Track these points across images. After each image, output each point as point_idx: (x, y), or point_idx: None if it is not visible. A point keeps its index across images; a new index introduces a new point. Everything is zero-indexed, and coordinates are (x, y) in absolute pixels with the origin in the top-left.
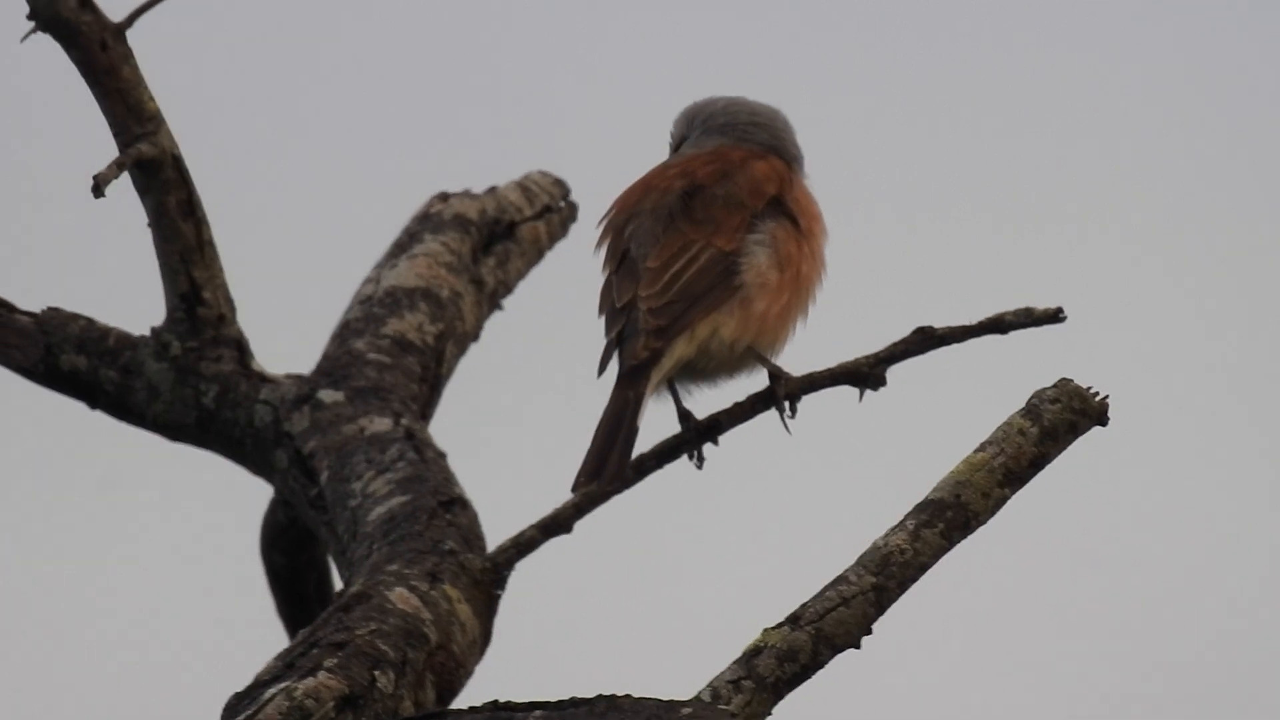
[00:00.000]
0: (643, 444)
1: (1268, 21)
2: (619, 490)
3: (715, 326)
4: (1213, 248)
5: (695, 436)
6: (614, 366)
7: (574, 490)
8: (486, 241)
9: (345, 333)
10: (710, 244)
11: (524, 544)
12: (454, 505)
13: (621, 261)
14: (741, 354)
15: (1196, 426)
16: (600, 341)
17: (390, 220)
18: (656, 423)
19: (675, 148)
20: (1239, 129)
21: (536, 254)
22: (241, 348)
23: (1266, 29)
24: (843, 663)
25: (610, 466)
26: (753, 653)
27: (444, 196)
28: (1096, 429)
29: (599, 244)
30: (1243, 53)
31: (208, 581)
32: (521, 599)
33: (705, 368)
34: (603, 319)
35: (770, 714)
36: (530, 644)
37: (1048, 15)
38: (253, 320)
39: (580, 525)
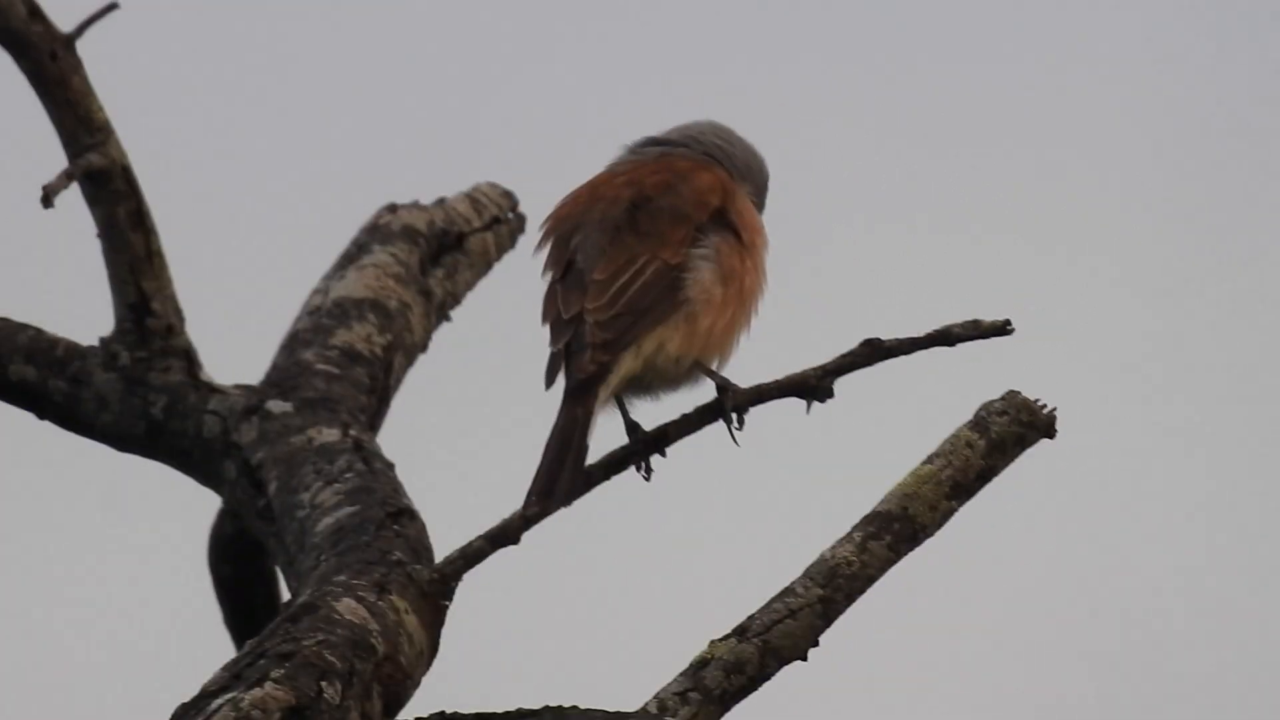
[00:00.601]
0: (590, 456)
1: (1223, 37)
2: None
3: (661, 341)
4: (1161, 259)
5: (643, 448)
6: (562, 380)
7: (525, 510)
8: (435, 253)
9: (294, 343)
10: (656, 257)
11: (472, 555)
12: (402, 516)
13: (567, 270)
14: (687, 368)
15: (1144, 439)
16: (546, 352)
17: (339, 231)
18: (604, 434)
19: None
20: (1188, 137)
21: (485, 265)
22: (190, 358)
23: (1222, 44)
24: (790, 675)
25: (562, 485)
26: (700, 664)
27: (392, 208)
28: (1044, 441)
29: (539, 246)
30: (1196, 66)
31: (155, 592)
32: (469, 610)
33: (650, 382)
34: (547, 328)
35: None
36: (477, 655)
37: (1000, 27)
38: (201, 331)
39: (528, 537)
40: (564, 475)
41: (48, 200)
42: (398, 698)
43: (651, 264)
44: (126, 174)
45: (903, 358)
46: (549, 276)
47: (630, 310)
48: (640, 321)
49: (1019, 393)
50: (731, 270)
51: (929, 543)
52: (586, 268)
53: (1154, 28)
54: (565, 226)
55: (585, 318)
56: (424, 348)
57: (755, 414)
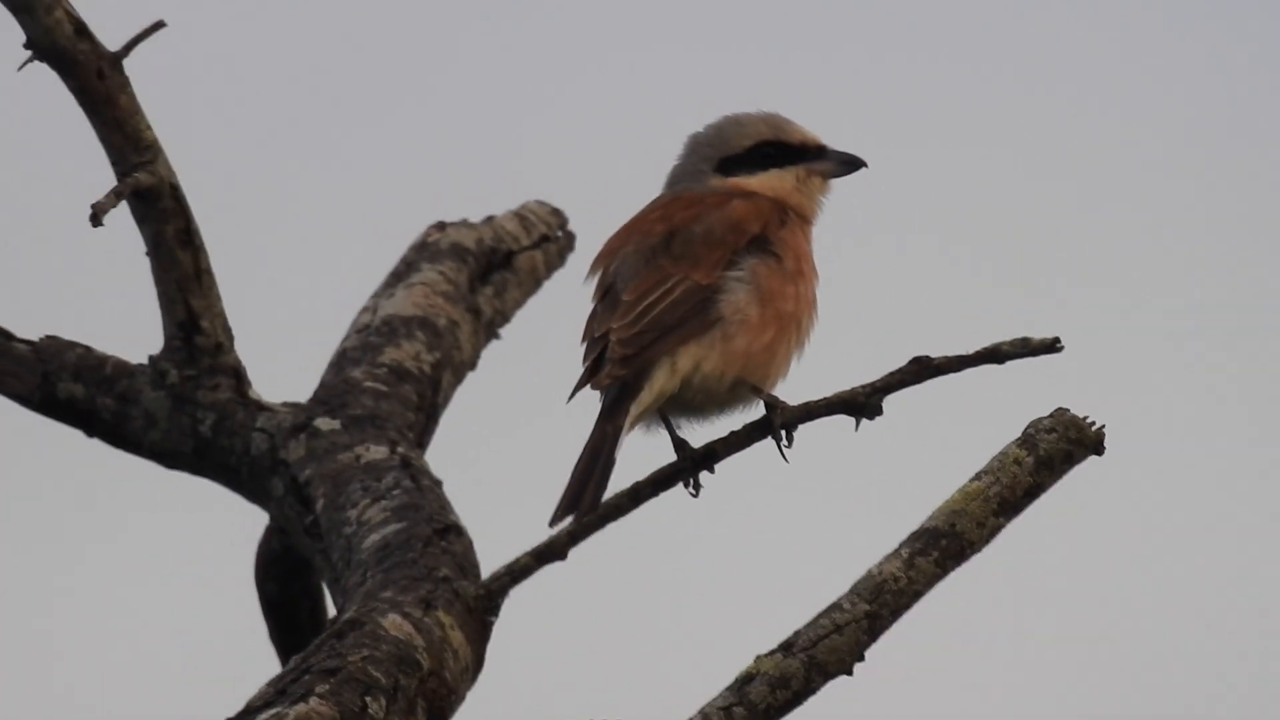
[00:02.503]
0: (639, 472)
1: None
2: (614, 519)
3: (697, 360)
4: (1209, 277)
5: (691, 465)
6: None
7: (551, 524)
8: (484, 271)
9: (342, 361)
10: (687, 277)
11: (518, 571)
12: (449, 532)
13: (605, 295)
14: (731, 387)
15: (1193, 456)
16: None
17: (388, 250)
18: (655, 452)
19: (674, 181)
20: (1238, 159)
21: (534, 283)
22: (239, 376)
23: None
24: (835, 690)
25: (586, 499)
26: (745, 679)
27: (441, 226)
28: (1093, 458)
29: (588, 278)
30: (1242, 90)
31: (202, 608)
32: (515, 626)
33: (693, 400)
34: (582, 348)
35: None
36: (523, 671)
37: (1047, 44)
38: (250, 349)
39: (575, 552)
40: (589, 490)
41: (96, 219)
42: (442, 713)
43: (681, 284)
44: (175, 192)
45: (952, 375)
46: (592, 304)
47: (654, 327)
48: (665, 338)
49: (1067, 410)
50: (770, 292)
51: (976, 559)
52: (620, 290)
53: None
54: (610, 259)
55: (610, 336)
56: (473, 365)
57: (804, 431)
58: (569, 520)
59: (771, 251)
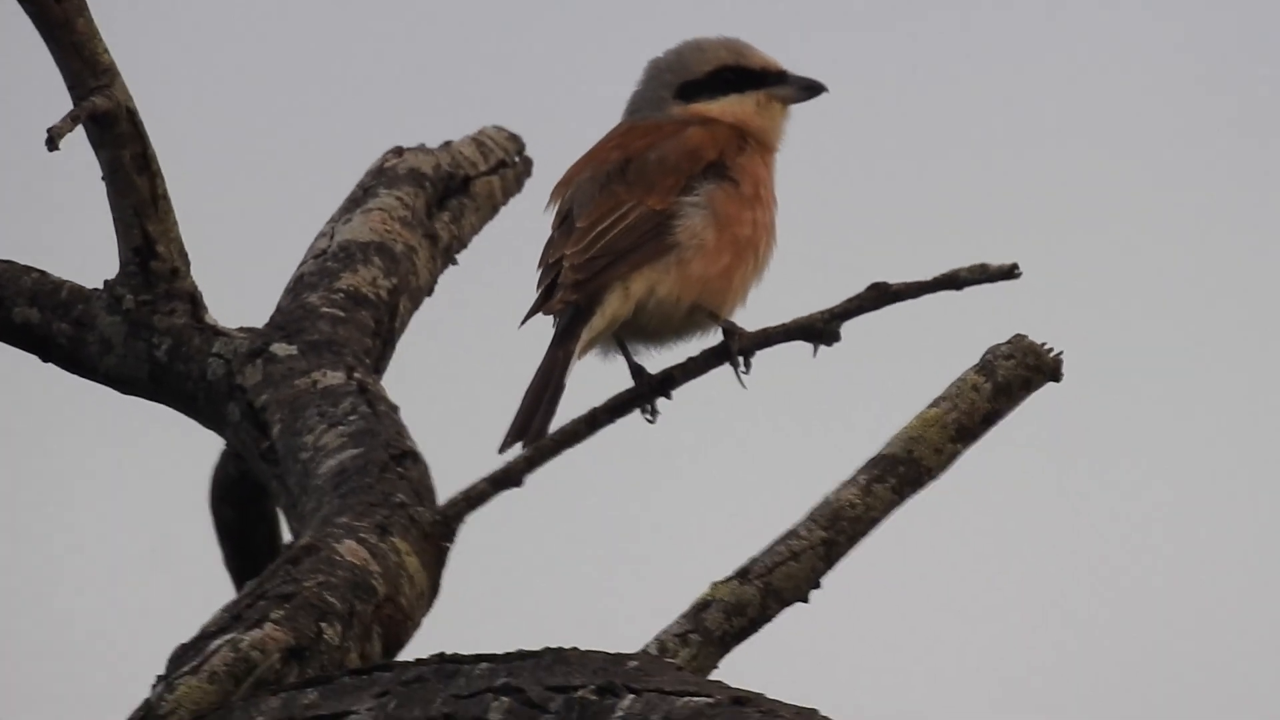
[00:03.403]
0: (597, 398)
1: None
2: (571, 445)
3: (652, 284)
4: (1168, 203)
5: (648, 391)
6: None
7: (500, 451)
8: (441, 196)
9: (299, 287)
10: (641, 203)
11: (474, 497)
12: (405, 459)
13: (562, 222)
14: (687, 313)
15: (1151, 383)
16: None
17: (345, 175)
18: (612, 378)
19: (634, 108)
20: (1195, 89)
21: (491, 209)
22: (195, 301)
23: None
24: (791, 616)
25: (535, 426)
26: (700, 606)
27: (399, 151)
28: (1050, 385)
29: (548, 206)
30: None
31: (157, 533)
32: (471, 552)
33: (649, 326)
34: (538, 274)
35: (717, 667)
36: (478, 597)
37: None
38: (206, 274)
39: (532, 479)
40: (538, 417)
41: (53, 143)
42: (398, 639)
43: (635, 209)
44: (132, 117)
45: (910, 302)
46: (551, 232)
47: (607, 252)
48: (618, 263)
49: (1025, 337)
50: (727, 217)
51: (933, 486)
52: (576, 217)
53: None
54: (568, 189)
55: (564, 262)
56: (429, 291)
57: (761, 358)
58: (518, 447)
59: (729, 177)
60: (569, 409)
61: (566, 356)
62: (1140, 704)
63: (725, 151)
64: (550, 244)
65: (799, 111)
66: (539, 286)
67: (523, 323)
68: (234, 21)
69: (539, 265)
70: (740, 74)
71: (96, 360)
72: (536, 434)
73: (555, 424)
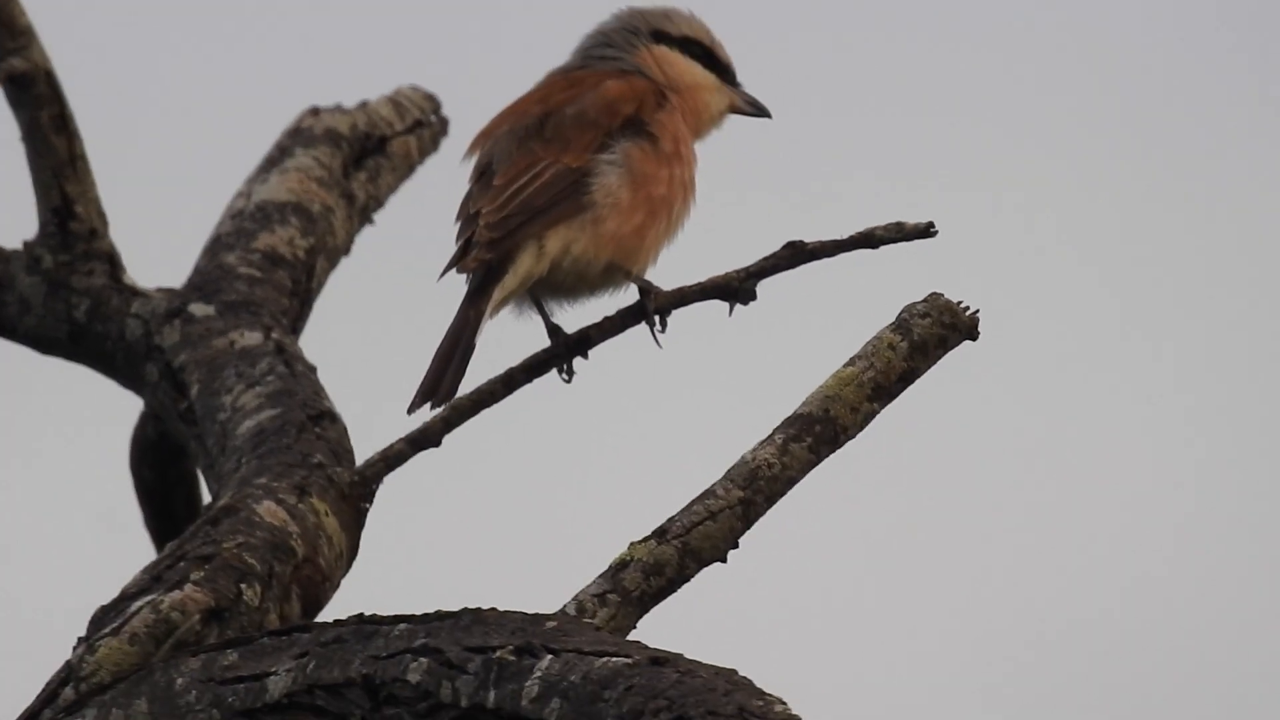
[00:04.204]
0: (512, 358)
1: None
2: (488, 405)
3: (566, 242)
4: (1084, 159)
5: (565, 350)
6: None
7: (409, 412)
8: (358, 156)
9: (216, 247)
10: (558, 161)
11: (392, 458)
12: (323, 419)
13: (480, 177)
14: (602, 271)
15: (1066, 341)
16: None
17: (261, 135)
18: (527, 337)
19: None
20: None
21: (407, 169)
22: (113, 261)
23: None
24: (709, 576)
25: (444, 386)
26: (619, 566)
27: (315, 111)
28: (967, 343)
29: (465, 158)
30: None
31: (76, 495)
32: (389, 513)
33: (564, 283)
34: (456, 228)
35: (635, 627)
36: (397, 558)
37: None
38: (125, 235)
39: (449, 439)
40: (448, 377)
41: None
42: (317, 600)
43: (551, 167)
44: (49, 78)
45: (826, 260)
46: (469, 185)
47: (522, 210)
48: (532, 222)
49: (941, 295)
50: (643, 175)
51: (850, 445)
52: (493, 173)
53: None
54: (488, 140)
55: (479, 220)
56: (346, 251)
57: (677, 316)
58: (428, 408)
59: (648, 133)
60: (487, 368)
61: (477, 316)
62: (1052, 651)
63: (644, 106)
64: (468, 198)
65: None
66: (456, 240)
67: (440, 277)
68: None
69: (457, 218)
70: (708, 56)
71: (15, 320)
72: (446, 395)
73: (470, 383)
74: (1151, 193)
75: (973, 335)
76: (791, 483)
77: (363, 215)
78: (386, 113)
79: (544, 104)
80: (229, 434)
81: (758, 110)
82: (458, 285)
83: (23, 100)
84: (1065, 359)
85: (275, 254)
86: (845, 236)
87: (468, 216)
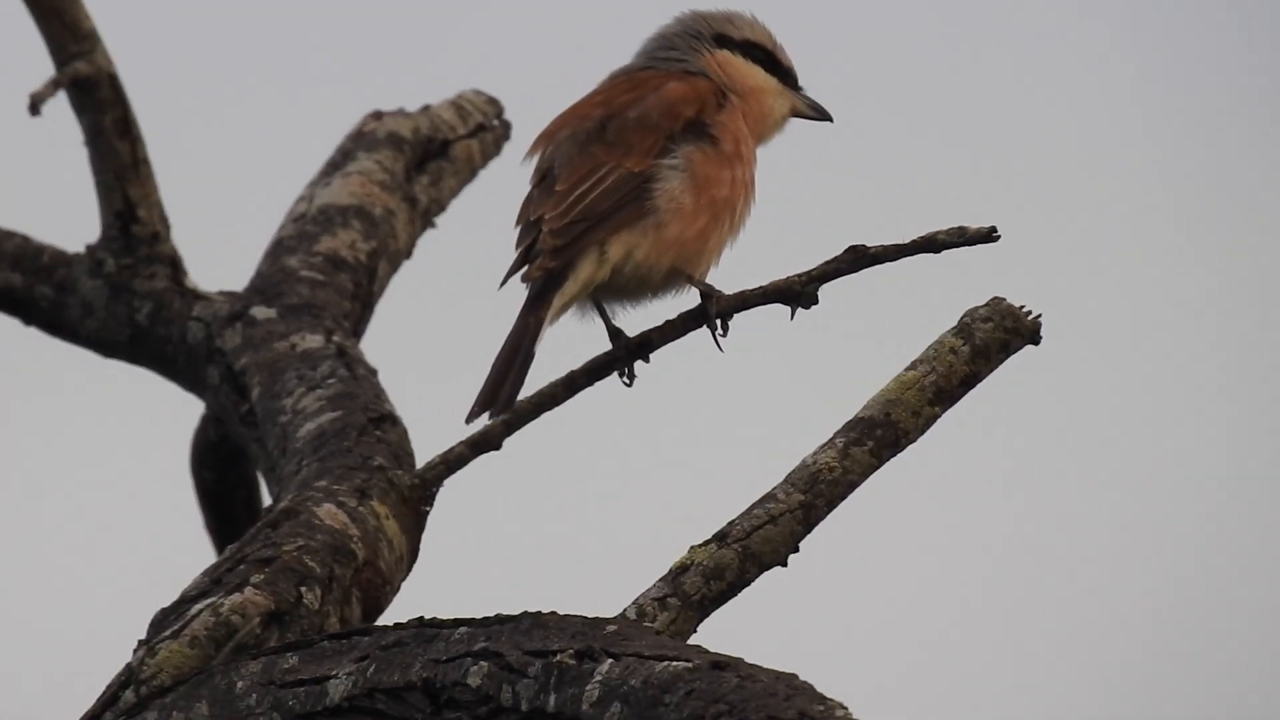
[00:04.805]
0: (574, 361)
1: None
2: (549, 408)
3: (629, 248)
4: (1149, 164)
5: (626, 354)
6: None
7: (468, 421)
8: (420, 160)
9: (278, 250)
10: (620, 165)
11: (453, 461)
12: (384, 422)
13: (541, 180)
14: (665, 275)
15: (1129, 345)
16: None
17: (325, 139)
18: (590, 340)
19: (653, 47)
20: (1178, 53)
21: (470, 172)
22: (175, 265)
23: None
24: (769, 581)
25: (503, 395)
26: (679, 570)
27: (378, 115)
28: (1029, 348)
29: (526, 158)
30: None
31: (137, 497)
32: (449, 516)
33: (626, 288)
34: (517, 232)
35: (695, 631)
36: (457, 561)
37: None
38: (187, 238)
39: (510, 442)
40: (507, 384)
41: (35, 108)
42: (377, 603)
43: (614, 172)
44: (113, 82)
45: (888, 264)
46: (529, 186)
47: (585, 216)
48: (597, 228)
49: (1004, 299)
50: (705, 178)
51: (911, 449)
52: (556, 177)
53: None
54: (549, 142)
55: (541, 225)
56: (408, 254)
57: (739, 320)
58: (485, 416)
59: (709, 135)
60: (548, 371)
61: (538, 323)
62: (1111, 662)
63: (705, 106)
64: (529, 201)
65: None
66: (518, 246)
67: (501, 284)
68: None
69: (517, 223)
70: (770, 60)
71: (78, 324)
72: (505, 403)
73: (532, 387)
74: (1217, 196)
75: (1035, 340)
76: (852, 487)
77: (424, 219)
78: (449, 117)
79: (606, 106)
80: (290, 437)
81: (819, 114)
82: (518, 288)
83: (86, 104)
84: (1128, 364)
85: (337, 257)
86: (907, 241)
87: (528, 223)
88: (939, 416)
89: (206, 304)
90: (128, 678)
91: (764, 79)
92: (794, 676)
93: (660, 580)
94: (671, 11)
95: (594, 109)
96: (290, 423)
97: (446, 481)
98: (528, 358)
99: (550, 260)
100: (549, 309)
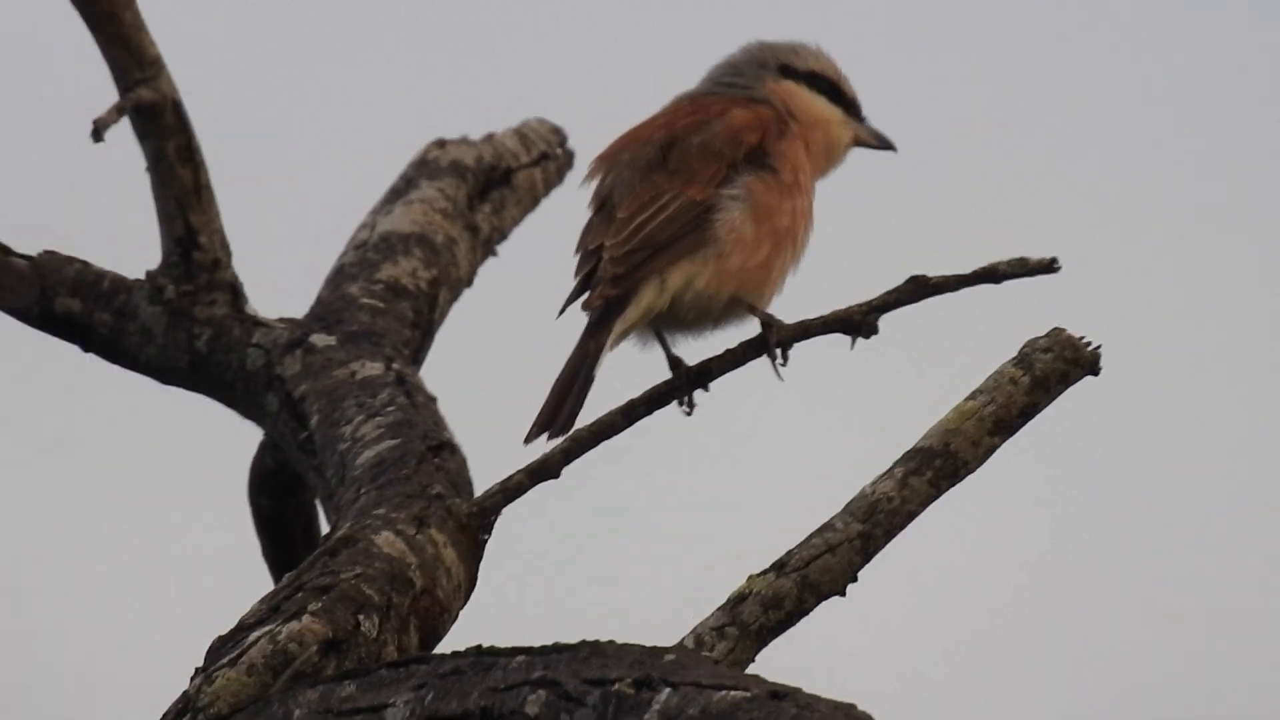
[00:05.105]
0: (633, 389)
1: None
2: (608, 436)
3: (689, 277)
4: (1207, 199)
5: (685, 383)
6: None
7: (525, 443)
8: (483, 188)
9: (339, 277)
10: (682, 193)
11: (512, 489)
12: (443, 450)
13: (601, 206)
14: (726, 305)
15: (1189, 378)
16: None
17: (387, 166)
18: (650, 369)
19: (719, 74)
20: (1232, 90)
21: (532, 201)
22: (235, 292)
23: None
24: (828, 610)
25: (561, 419)
26: (738, 599)
27: (441, 143)
28: (1088, 379)
29: (585, 181)
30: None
31: (195, 524)
32: (508, 544)
33: (686, 317)
34: (576, 259)
35: (754, 661)
36: (516, 589)
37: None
38: (248, 265)
39: (568, 471)
40: (565, 408)
41: (98, 134)
42: (435, 631)
43: (676, 200)
44: (177, 109)
45: (948, 294)
46: (589, 212)
47: (647, 245)
48: (658, 256)
49: (1064, 330)
50: (766, 208)
51: (970, 479)
52: (616, 204)
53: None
54: (608, 166)
55: (602, 252)
56: (469, 282)
57: (799, 350)
58: (544, 438)
59: (769, 165)
60: (607, 399)
61: (597, 349)
62: (1172, 696)
63: (767, 134)
64: (589, 228)
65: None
66: (577, 274)
67: (560, 312)
68: (281, 12)
69: (577, 250)
70: (834, 90)
71: (137, 350)
72: (563, 426)
73: (591, 415)
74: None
75: (1094, 371)
76: (911, 517)
77: (486, 247)
78: (512, 145)
79: (667, 129)
80: (348, 464)
81: (883, 144)
82: (579, 316)
83: (149, 130)
84: (1189, 396)
85: (398, 285)
86: (968, 271)
87: (588, 251)
88: (998, 447)
89: (266, 331)
90: (185, 706)
91: (827, 109)
92: (852, 706)
93: (718, 609)
94: (736, 43)
95: (655, 132)
96: (349, 450)
97: (505, 509)
98: (587, 381)
99: (611, 288)
100: (609, 334)
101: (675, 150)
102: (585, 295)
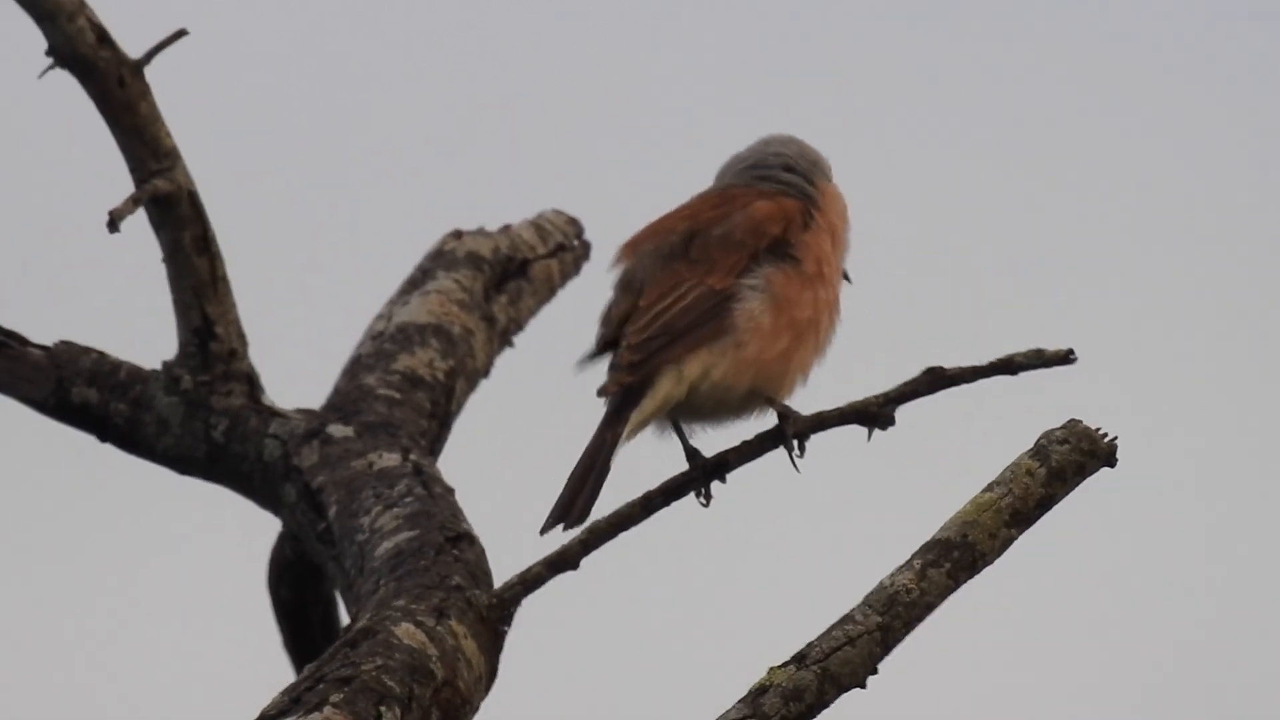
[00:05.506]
0: (651, 481)
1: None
2: (626, 528)
3: (707, 366)
4: (1222, 290)
5: (702, 474)
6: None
7: (541, 533)
8: (499, 279)
9: (356, 368)
10: (702, 283)
11: (531, 580)
12: (461, 541)
13: (625, 290)
14: (743, 396)
15: (1205, 469)
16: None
17: (404, 257)
18: (666, 460)
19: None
20: (1248, 163)
21: (549, 292)
22: (252, 382)
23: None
24: (848, 702)
25: (577, 508)
26: (758, 691)
27: (458, 234)
28: (1105, 470)
29: (611, 266)
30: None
31: (214, 615)
32: (528, 635)
33: (704, 407)
34: (598, 331)
35: None
36: (536, 680)
37: (1056, 47)
38: (264, 355)
39: (587, 562)
40: (581, 498)
41: (114, 225)
42: None
43: (695, 289)
44: (193, 199)
45: (965, 386)
46: (613, 292)
47: (664, 333)
48: (675, 344)
49: (1080, 421)
50: (786, 299)
51: (988, 571)
52: (637, 293)
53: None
54: (633, 254)
55: (621, 340)
56: (486, 373)
57: (816, 441)
58: (560, 529)
59: (791, 256)
60: (625, 491)
61: (614, 439)
62: None
63: (791, 226)
64: (613, 305)
65: (860, 194)
66: (599, 341)
67: (579, 365)
68: (296, 104)
69: (600, 322)
70: None
71: (153, 440)
72: (579, 516)
73: (609, 506)
74: None
75: (1111, 462)
76: (930, 608)
77: (503, 338)
78: (529, 236)
79: (691, 220)
80: (367, 555)
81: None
82: (596, 406)
83: (165, 221)
84: (1205, 487)
85: (415, 375)
86: (985, 363)
87: (609, 325)
88: (1015, 538)
89: (283, 421)
90: None
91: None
92: None
93: (739, 701)
94: (746, 141)
95: (679, 223)
96: (368, 541)
97: (524, 601)
98: (603, 471)
99: (627, 375)
100: (626, 425)
101: (697, 240)
102: (603, 382)
